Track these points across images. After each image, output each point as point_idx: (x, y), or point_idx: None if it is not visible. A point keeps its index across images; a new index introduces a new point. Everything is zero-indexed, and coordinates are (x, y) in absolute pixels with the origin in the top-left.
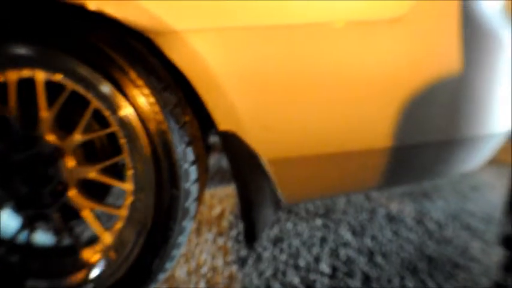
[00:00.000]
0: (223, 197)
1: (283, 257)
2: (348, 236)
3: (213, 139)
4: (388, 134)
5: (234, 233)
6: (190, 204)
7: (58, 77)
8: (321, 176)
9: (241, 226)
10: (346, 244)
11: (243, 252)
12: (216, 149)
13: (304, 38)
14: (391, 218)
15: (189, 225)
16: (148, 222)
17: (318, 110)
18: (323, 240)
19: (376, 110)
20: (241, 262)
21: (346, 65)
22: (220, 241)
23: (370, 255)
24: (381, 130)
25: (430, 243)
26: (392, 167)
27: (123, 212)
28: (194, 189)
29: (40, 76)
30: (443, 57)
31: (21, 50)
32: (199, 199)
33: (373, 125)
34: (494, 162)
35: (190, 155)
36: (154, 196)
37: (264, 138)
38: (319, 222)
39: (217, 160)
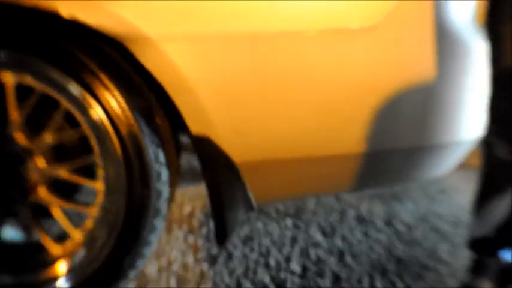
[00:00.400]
0: (193, 196)
1: (254, 256)
2: (318, 236)
3: (184, 139)
4: (359, 140)
5: (204, 231)
6: (162, 203)
7: (28, 80)
8: (292, 179)
9: (211, 224)
10: (316, 244)
11: (214, 250)
12: (187, 148)
13: (276, 46)
14: (360, 219)
15: (160, 224)
16: (119, 221)
17: (289, 116)
18: (293, 240)
19: (347, 117)
20: (212, 260)
21: (317, 72)
22: (191, 239)
23: (340, 255)
24: (352, 136)
25: (399, 244)
26: (363, 171)
27: (94, 211)
28: (165, 189)
29: (9, 78)
30: (415, 65)
31: None
32: (170, 199)
33: (344, 131)
34: (463, 166)
35: (161, 157)
36: (126, 196)
37: (236, 142)
38: (289, 222)
39: (188, 159)
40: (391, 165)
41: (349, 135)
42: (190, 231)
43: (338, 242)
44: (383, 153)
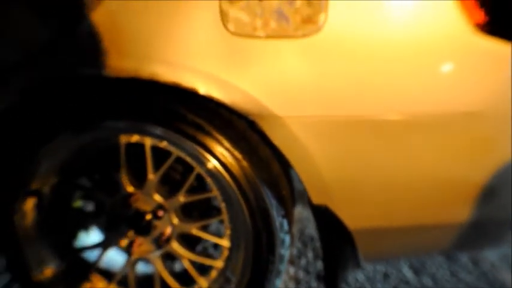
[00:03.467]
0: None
1: None
2: (408, 274)
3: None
4: (464, 211)
5: (303, 262)
6: (283, 266)
7: (163, 144)
8: (399, 243)
9: (309, 255)
10: (407, 282)
11: (313, 283)
12: None
13: (393, 131)
14: (449, 256)
15: (279, 282)
16: (242, 277)
17: (401, 190)
18: (385, 276)
19: (453, 193)
20: None
21: (429, 153)
22: (291, 270)
23: None
24: (458, 207)
25: (484, 285)
26: (463, 237)
27: (219, 264)
28: (287, 253)
29: (147, 142)
30: None
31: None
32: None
33: (451, 203)
34: None
35: (285, 225)
36: (251, 258)
37: (351, 211)
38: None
39: None
40: (490, 232)
41: (455, 207)
42: (291, 262)
43: (427, 281)
44: (485, 222)
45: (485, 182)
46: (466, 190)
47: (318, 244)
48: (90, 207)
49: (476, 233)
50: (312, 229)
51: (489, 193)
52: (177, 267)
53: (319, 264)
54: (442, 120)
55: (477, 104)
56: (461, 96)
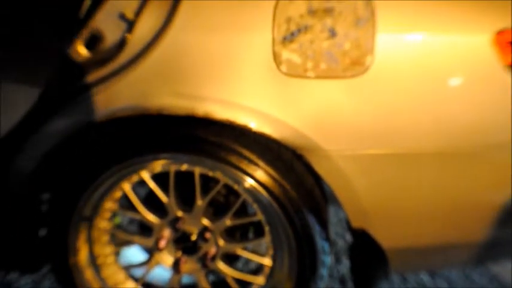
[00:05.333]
0: None
1: None
2: (425, 277)
3: None
4: (482, 231)
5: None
6: (322, 284)
7: (211, 173)
8: (425, 260)
9: (342, 267)
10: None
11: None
12: None
13: (428, 162)
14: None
15: None
16: None
17: (429, 215)
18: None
19: (475, 215)
20: None
21: (459, 184)
22: None
23: None
24: (477, 228)
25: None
26: (482, 253)
27: (260, 281)
28: (326, 273)
29: (197, 170)
30: None
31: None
32: None
33: (471, 226)
34: None
35: (326, 247)
36: (293, 277)
37: (387, 233)
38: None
39: None
40: (506, 249)
41: (476, 227)
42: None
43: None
44: (500, 240)
45: (505, 203)
46: (488, 212)
47: (338, 248)
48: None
49: (493, 250)
50: (332, 233)
51: (508, 213)
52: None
53: (341, 268)
54: (474, 151)
55: (504, 135)
56: (491, 129)
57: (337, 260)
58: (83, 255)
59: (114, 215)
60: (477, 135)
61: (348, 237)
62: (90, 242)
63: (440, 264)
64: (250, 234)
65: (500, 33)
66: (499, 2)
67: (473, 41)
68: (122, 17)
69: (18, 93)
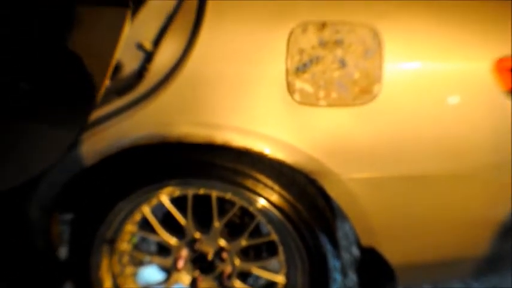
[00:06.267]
0: None
1: None
2: None
3: None
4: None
5: None
6: None
7: (228, 196)
8: (430, 274)
9: (348, 281)
10: None
11: None
12: None
13: (434, 184)
14: None
15: None
16: None
17: (435, 233)
18: None
19: (477, 231)
20: None
21: (463, 203)
22: None
23: None
24: (479, 243)
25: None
26: (485, 265)
27: None
28: None
29: (214, 194)
30: None
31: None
32: None
33: (473, 242)
34: None
35: (337, 265)
36: None
37: (395, 251)
38: None
39: None
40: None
41: (478, 243)
42: None
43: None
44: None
45: (504, 220)
46: (488, 228)
47: (344, 262)
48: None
49: (494, 263)
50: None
51: (507, 229)
52: None
53: (348, 282)
54: (475, 172)
55: (504, 157)
56: (492, 151)
57: (344, 275)
58: (104, 278)
59: (132, 236)
60: (479, 158)
61: (354, 251)
62: (111, 263)
63: (443, 277)
64: (264, 253)
65: (500, 60)
66: (499, 30)
67: (475, 68)
68: (140, 47)
69: (55, 135)
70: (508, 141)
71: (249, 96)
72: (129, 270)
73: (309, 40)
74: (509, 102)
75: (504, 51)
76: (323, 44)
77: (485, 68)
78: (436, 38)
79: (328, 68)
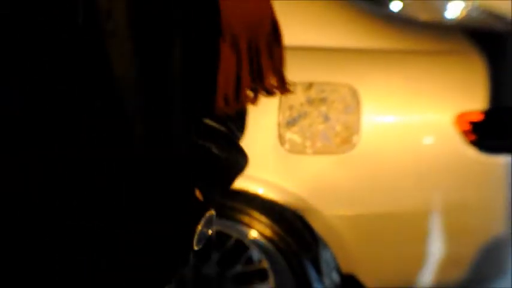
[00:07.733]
0: None
1: None
2: None
3: None
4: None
5: None
6: None
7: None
8: None
9: None
10: None
11: None
12: None
13: (408, 219)
14: None
15: None
16: None
17: (411, 261)
18: None
19: (451, 259)
20: None
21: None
22: None
23: None
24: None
25: None
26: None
27: None
28: None
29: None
30: None
31: None
32: None
33: (446, 270)
34: None
35: None
36: None
37: (373, 276)
38: None
39: None
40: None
41: (450, 270)
42: None
43: None
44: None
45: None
46: (457, 259)
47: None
48: None
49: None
50: None
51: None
52: None
53: None
54: (444, 210)
55: (470, 196)
56: (458, 192)
57: None
58: None
59: None
60: (444, 198)
61: (335, 276)
62: None
63: None
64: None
65: (461, 115)
66: (462, 85)
67: (439, 120)
68: None
69: None
70: (473, 184)
71: (246, 145)
72: None
73: (298, 98)
74: (473, 151)
75: (466, 106)
76: (310, 102)
77: (448, 120)
78: (406, 93)
79: (314, 121)
